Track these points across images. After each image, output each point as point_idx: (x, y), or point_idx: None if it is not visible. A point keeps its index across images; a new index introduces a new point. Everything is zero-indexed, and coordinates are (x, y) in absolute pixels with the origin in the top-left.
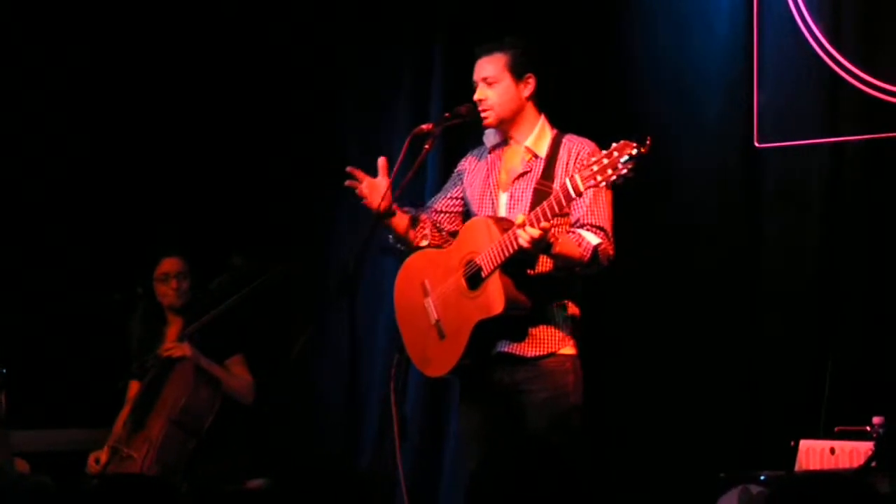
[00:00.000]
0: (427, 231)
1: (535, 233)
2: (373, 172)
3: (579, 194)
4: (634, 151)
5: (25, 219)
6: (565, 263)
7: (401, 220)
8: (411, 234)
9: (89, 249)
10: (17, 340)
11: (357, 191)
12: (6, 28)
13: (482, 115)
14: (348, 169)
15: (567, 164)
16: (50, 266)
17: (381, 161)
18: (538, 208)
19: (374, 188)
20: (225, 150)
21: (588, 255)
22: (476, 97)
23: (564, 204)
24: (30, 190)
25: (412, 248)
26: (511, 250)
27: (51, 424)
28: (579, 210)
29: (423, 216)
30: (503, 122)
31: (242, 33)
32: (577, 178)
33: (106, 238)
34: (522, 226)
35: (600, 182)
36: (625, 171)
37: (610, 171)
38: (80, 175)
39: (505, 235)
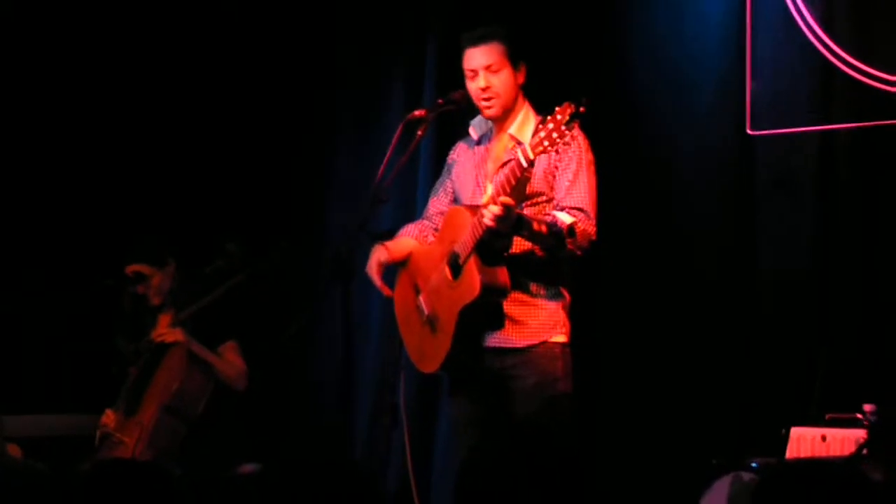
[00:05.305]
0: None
1: (496, 209)
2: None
3: (530, 163)
4: (574, 111)
5: (16, 205)
6: (541, 244)
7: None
8: None
9: (81, 235)
10: (9, 326)
11: None
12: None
13: (486, 103)
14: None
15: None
16: (42, 251)
17: None
18: (497, 185)
19: None
20: (218, 137)
21: (562, 235)
22: (482, 85)
23: (518, 174)
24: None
25: None
26: (480, 231)
27: (43, 409)
28: (559, 192)
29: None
30: (505, 111)
31: (237, 24)
32: (527, 147)
33: (98, 224)
34: (486, 205)
35: (548, 147)
36: (567, 134)
37: (555, 135)
38: (72, 162)
39: (475, 218)
